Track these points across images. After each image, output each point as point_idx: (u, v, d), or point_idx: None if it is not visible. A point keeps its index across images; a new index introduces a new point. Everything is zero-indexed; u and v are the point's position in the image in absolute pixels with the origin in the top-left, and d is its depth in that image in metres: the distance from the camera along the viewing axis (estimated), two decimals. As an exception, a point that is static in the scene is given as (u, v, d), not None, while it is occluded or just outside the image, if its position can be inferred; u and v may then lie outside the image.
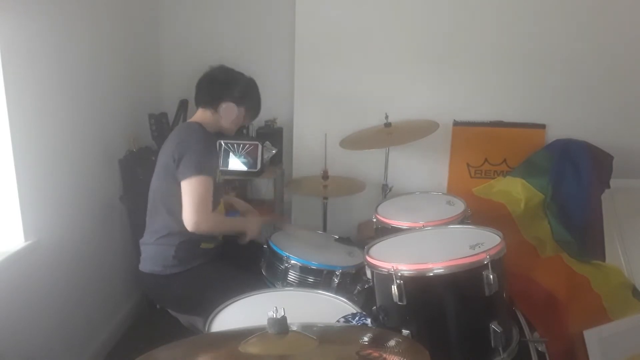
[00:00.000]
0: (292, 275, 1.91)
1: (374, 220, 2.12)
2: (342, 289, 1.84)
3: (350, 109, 2.83)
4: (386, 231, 1.98)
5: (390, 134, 2.53)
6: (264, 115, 2.93)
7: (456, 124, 2.78)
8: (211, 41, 2.95)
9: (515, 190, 2.47)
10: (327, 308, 1.58)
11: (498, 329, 1.38)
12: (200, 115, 2.07)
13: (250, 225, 2.12)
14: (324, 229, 2.68)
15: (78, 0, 2.14)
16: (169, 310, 2.04)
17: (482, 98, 2.77)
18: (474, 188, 2.62)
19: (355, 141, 2.65)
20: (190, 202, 1.87)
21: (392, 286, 1.39)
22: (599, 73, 2.68)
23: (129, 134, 2.57)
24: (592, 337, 1.78)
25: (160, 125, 2.71)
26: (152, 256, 2.00)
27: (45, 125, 1.94)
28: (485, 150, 2.78)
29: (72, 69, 2.11)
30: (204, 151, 1.94)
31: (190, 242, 1.97)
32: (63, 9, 2.03)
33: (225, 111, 2.05)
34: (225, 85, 2.07)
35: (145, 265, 2.01)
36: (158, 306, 2.08)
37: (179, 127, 2.14)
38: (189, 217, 1.87)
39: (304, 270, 1.90)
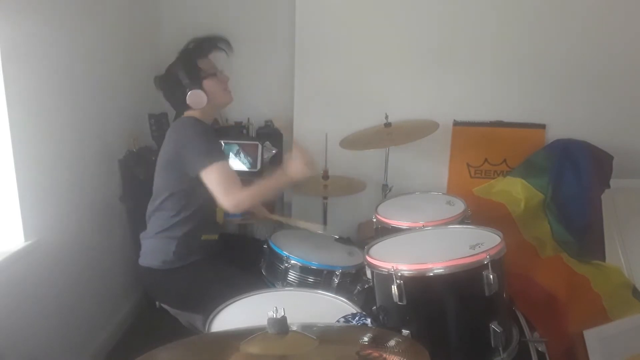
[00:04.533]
0: (292, 275, 1.91)
1: (374, 220, 2.12)
2: (342, 289, 1.84)
3: (350, 109, 2.83)
4: (386, 231, 1.98)
5: (391, 134, 2.53)
6: (264, 115, 2.95)
7: (456, 124, 2.78)
8: (211, 41, 2.95)
9: (515, 190, 2.47)
10: (327, 308, 1.58)
11: (498, 329, 1.38)
12: (190, 112, 2.04)
13: (291, 171, 1.93)
14: (324, 229, 2.68)
15: (78, 1, 2.14)
16: (168, 309, 2.03)
17: (482, 98, 2.77)
18: (474, 188, 2.62)
19: (355, 141, 2.65)
20: (220, 189, 1.84)
21: (392, 286, 1.39)
22: (599, 73, 2.68)
23: (129, 134, 2.57)
24: (592, 337, 1.78)
25: (160, 125, 2.71)
26: (152, 250, 1.99)
27: (45, 125, 1.95)
28: (485, 150, 2.78)
29: (72, 69, 2.11)
30: (206, 140, 1.91)
31: (191, 235, 1.96)
32: (63, 9, 2.03)
33: (193, 102, 1.94)
34: (171, 83, 1.97)
35: (144, 260, 2.00)
36: (158, 306, 2.08)
37: (173, 124, 2.08)
38: (225, 203, 1.84)
39: (304, 270, 1.90)
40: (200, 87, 1.95)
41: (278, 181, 1.97)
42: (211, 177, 1.85)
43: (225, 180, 1.86)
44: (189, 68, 1.95)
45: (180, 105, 2.00)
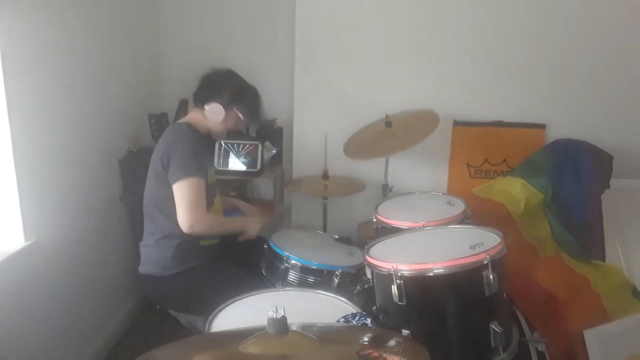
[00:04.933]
0: (292, 275, 1.91)
1: (374, 220, 2.12)
2: (342, 289, 1.84)
3: (350, 109, 2.83)
4: (386, 231, 1.98)
5: (392, 135, 2.52)
6: (264, 115, 2.94)
7: (456, 124, 2.78)
8: (211, 41, 2.96)
9: (515, 190, 2.47)
10: (327, 308, 1.58)
11: (498, 329, 1.38)
12: (193, 115, 2.07)
13: (250, 224, 2.10)
14: (324, 229, 2.68)
15: (78, 1, 2.14)
16: (170, 311, 2.04)
17: (482, 98, 2.77)
18: (474, 188, 2.61)
19: (357, 147, 2.63)
20: (183, 205, 1.88)
21: (392, 286, 1.39)
22: (599, 73, 2.67)
23: (129, 134, 2.57)
24: (592, 337, 1.78)
25: (160, 125, 2.71)
26: (151, 258, 2.00)
27: (45, 125, 1.95)
28: (485, 150, 2.78)
29: (72, 69, 2.11)
30: (192, 153, 1.92)
31: (189, 242, 1.97)
32: (63, 9, 2.03)
33: (210, 112, 2.01)
34: (216, 85, 2.04)
35: (144, 268, 2.02)
36: (158, 306, 2.08)
37: (168, 129, 2.11)
38: (183, 220, 1.88)
39: (304, 270, 1.90)
40: (225, 109, 2.01)
41: (236, 226, 2.10)
42: (180, 192, 1.88)
43: (190, 199, 1.88)
44: (236, 94, 2.04)
45: (198, 100, 2.05)
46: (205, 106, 2.00)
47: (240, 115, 2.06)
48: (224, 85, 2.04)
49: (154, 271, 1.98)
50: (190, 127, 2.00)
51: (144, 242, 2.04)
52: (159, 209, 1.97)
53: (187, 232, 1.89)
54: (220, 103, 2.00)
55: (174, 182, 1.89)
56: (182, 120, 2.09)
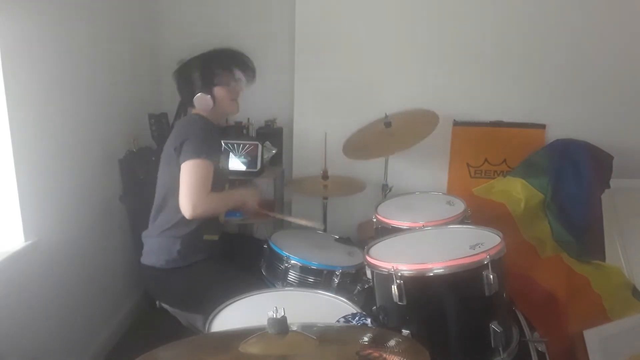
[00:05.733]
0: (292, 275, 1.91)
1: (374, 220, 2.12)
2: (342, 289, 1.84)
3: (350, 109, 2.83)
4: (386, 231, 1.98)
5: (392, 135, 2.52)
6: (264, 115, 2.95)
7: (456, 124, 2.78)
8: (211, 41, 2.92)
9: (515, 190, 2.47)
10: (327, 308, 1.58)
11: (498, 329, 1.38)
12: (195, 112, 2.06)
13: (248, 196, 2.08)
14: (324, 229, 2.68)
15: (78, 1, 2.14)
16: (168, 309, 2.03)
17: (482, 98, 2.77)
18: (474, 188, 2.61)
19: (357, 147, 2.63)
20: (188, 184, 1.84)
21: (392, 286, 1.39)
22: (599, 73, 2.68)
23: (129, 134, 2.57)
24: (592, 337, 1.78)
25: (160, 125, 2.71)
26: (156, 249, 1.98)
27: (45, 125, 1.95)
28: (485, 150, 2.78)
29: (72, 69, 2.11)
30: (204, 137, 1.91)
31: (194, 235, 1.96)
32: (63, 9, 2.03)
33: (199, 105, 1.98)
34: (185, 79, 2.00)
35: (147, 258, 2.00)
36: (158, 306, 2.08)
37: (181, 120, 2.11)
38: (185, 200, 1.83)
39: (304, 270, 1.90)
40: (210, 93, 1.98)
41: (235, 200, 2.08)
42: (188, 172, 1.84)
43: (197, 180, 1.84)
44: (204, 72, 1.99)
45: (187, 103, 2.03)
46: (193, 100, 1.98)
47: (225, 84, 2.01)
48: (189, 73, 2.00)
49: (156, 263, 1.97)
50: (202, 117, 2.00)
51: (148, 232, 2.02)
52: (170, 199, 1.95)
53: (189, 214, 1.84)
54: (200, 91, 1.96)
55: (183, 162, 1.86)
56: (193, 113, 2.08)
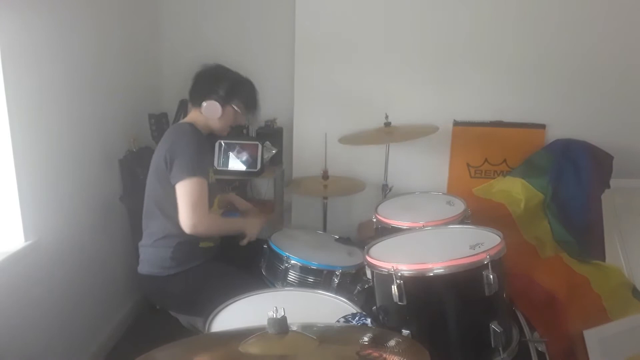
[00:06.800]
0: (292, 275, 1.91)
1: (374, 220, 2.12)
2: (342, 289, 1.84)
3: (350, 109, 2.83)
4: (386, 231, 1.98)
5: (391, 134, 2.53)
6: (264, 115, 2.94)
7: (456, 124, 2.78)
8: (211, 41, 2.95)
9: (515, 190, 2.47)
10: (327, 308, 1.58)
11: (498, 329, 1.38)
12: (192, 115, 2.06)
13: (250, 226, 2.10)
14: (324, 229, 2.68)
15: (78, 1, 2.14)
16: (169, 311, 2.04)
17: (482, 98, 2.77)
18: (474, 188, 2.62)
19: (354, 138, 2.64)
20: (186, 204, 1.87)
21: (392, 286, 1.39)
22: (599, 73, 2.67)
23: (129, 134, 2.57)
24: (592, 337, 1.78)
25: (160, 125, 2.71)
26: (150, 258, 2.00)
27: (45, 125, 1.94)
28: (485, 150, 2.78)
29: (72, 69, 2.11)
30: (196, 153, 1.92)
31: (188, 243, 1.97)
32: (63, 9, 2.03)
33: (207, 109, 2.00)
34: (209, 82, 2.03)
35: (143, 268, 2.01)
36: (158, 306, 2.08)
37: (170, 129, 2.11)
38: (185, 220, 1.87)
39: (304, 270, 1.90)
40: (222, 106, 2.01)
41: (237, 227, 2.10)
42: (183, 191, 1.88)
43: (194, 199, 1.88)
44: (232, 89, 2.03)
45: (194, 99, 2.04)
46: (202, 103, 2.00)
47: (237, 109, 2.05)
48: (218, 80, 2.03)
49: (153, 271, 1.98)
50: (193, 127, 2.00)
51: (143, 242, 2.04)
52: (159, 208, 1.97)
53: (189, 232, 1.88)
54: (215, 99, 2.00)
55: (177, 182, 1.88)
56: (183, 120, 2.09)
